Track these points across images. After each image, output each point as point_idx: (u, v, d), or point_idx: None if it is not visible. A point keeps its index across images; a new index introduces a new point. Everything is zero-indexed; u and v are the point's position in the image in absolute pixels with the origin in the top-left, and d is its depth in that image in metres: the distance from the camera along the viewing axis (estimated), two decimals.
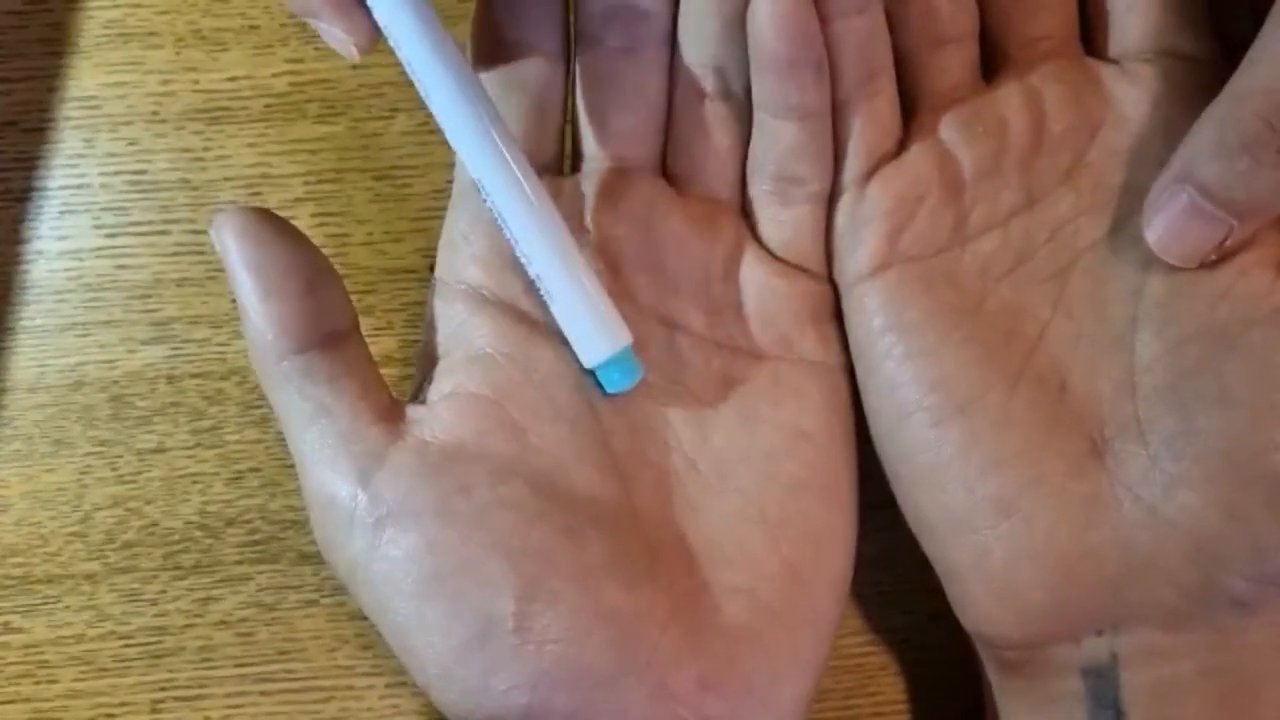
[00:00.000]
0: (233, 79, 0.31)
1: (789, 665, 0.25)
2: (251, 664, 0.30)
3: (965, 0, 0.27)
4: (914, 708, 0.30)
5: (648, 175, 0.27)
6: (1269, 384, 0.23)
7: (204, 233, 0.31)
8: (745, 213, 0.27)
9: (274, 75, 0.31)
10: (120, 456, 0.30)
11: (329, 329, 0.24)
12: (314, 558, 0.30)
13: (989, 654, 0.27)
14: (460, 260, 0.26)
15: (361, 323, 0.25)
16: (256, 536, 0.30)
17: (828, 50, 0.25)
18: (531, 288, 0.25)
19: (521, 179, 0.24)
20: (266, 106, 0.31)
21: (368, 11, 0.23)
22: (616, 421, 0.26)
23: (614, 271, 0.26)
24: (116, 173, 0.31)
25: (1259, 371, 0.24)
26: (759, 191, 0.27)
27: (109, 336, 0.31)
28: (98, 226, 0.31)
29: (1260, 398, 0.23)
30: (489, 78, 0.26)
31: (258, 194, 0.31)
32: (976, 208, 0.26)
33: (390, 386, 0.25)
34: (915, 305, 0.26)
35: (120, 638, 0.30)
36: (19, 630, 0.30)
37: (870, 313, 0.26)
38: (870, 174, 0.27)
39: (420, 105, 0.24)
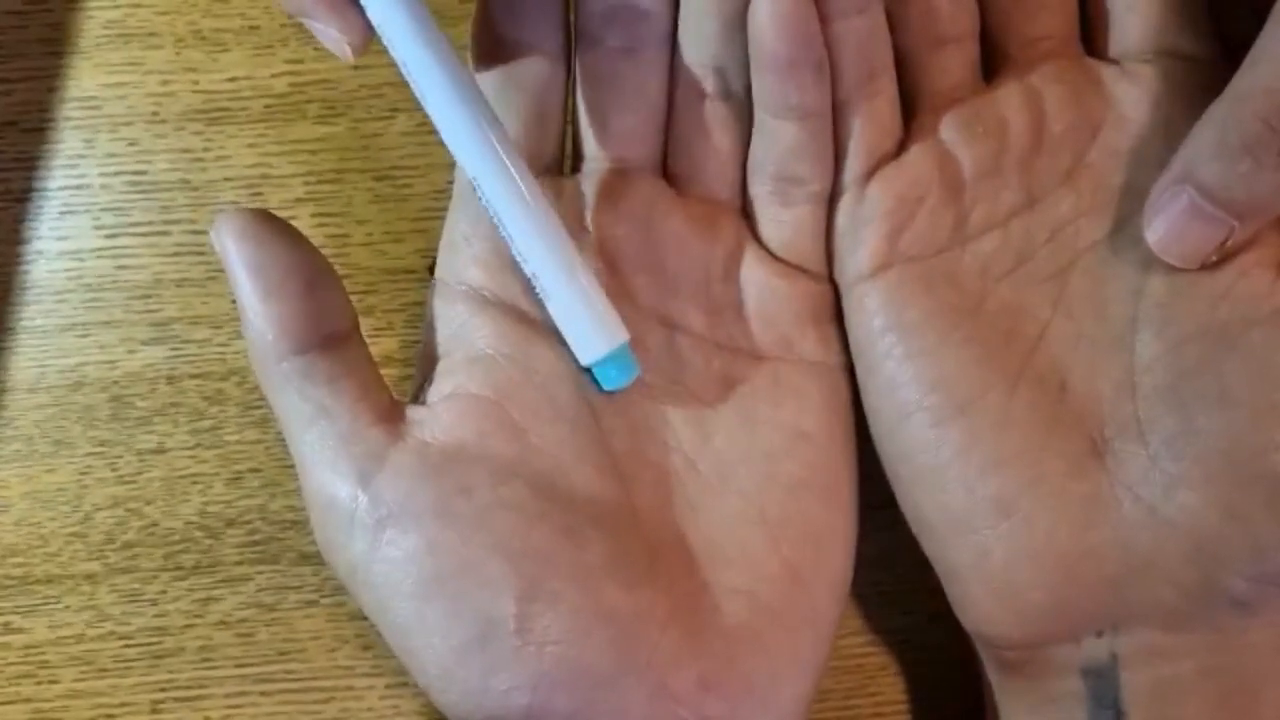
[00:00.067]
0: (233, 79, 0.31)
1: (789, 665, 0.25)
2: (251, 664, 0.30)
3: (965, 0, 0.27)
4: (914, 708, 0.30)
5: (648, 175, 0.27)
6: (1269, 384, 0.23)
7: (204, 233, 0.31)
8: (745, 213, 0.27)
9: (274, 76, 0.31)
10: (120, 457, 0.30)
11: (329, 330, 0.24)
12: (314, 558, 0.30)
13: (989, 654, 0.27)
14: (461, 261, 0.26)
15: (361, 323, 0.25)
16: (256, 537, 0.30)
17: (828, 50, 0.25)
18: (531, 288, 0.25)
19: (516, 176, 0.24)
20: (266, 107, 0.31)
21: (361, 11, 0.23)
22: (616, 422, 0.26)
23: (614, 272, 0.26)
24: (116, 173, 0.31)
25: (1259, 371, 0.24)
26: (759, 192, 0.27)
27: (109, 337, 0.31)
28: (98, 227, 0.31)
29: (1260, 398, 0.23)
30: (489, 78, 0.26)
31: (258, 195, 0.31)
32: (977, 208, 0.26)
33: (390, 387, 0.25)
34: (915, 305, 0.26)
35: (120, 638, 0.30)
36: (19, 630, 0.30)
37: (870, 313, 0.26)
38: (870, 174, 0.27)
39: (420, 106, 0.24)
